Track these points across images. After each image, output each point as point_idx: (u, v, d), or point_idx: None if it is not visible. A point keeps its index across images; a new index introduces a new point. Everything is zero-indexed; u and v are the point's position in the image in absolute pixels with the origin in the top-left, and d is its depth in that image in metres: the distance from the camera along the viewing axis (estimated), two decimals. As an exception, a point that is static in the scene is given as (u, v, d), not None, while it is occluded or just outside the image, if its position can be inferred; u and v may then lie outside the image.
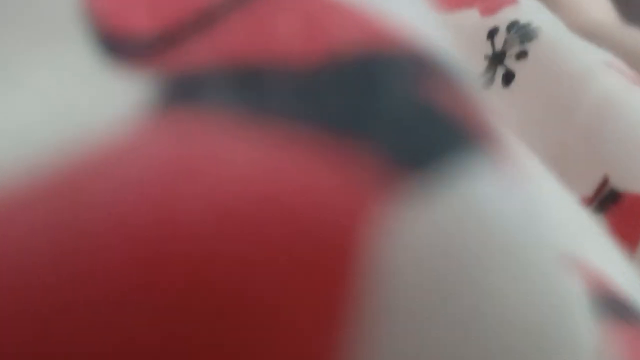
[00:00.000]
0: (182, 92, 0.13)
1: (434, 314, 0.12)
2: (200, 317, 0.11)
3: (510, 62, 0.35)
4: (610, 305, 0.19)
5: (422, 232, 0.12)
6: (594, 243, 0.21)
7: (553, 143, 0.32)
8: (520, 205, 0.13)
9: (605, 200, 0.31)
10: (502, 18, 0.36)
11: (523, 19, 0.35)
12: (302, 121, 0.13)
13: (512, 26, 0.35)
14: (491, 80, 0.35)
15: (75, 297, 0.11)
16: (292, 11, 0.14)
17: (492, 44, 0.36)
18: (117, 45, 0.14)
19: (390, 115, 0.13)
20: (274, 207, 0.12)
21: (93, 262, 0.11)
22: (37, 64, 0.14)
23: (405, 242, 0.12)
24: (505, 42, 0.35)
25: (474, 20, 0.36)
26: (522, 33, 0.35)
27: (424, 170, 0.13)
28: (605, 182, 0.31)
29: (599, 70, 0.32)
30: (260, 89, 0.13)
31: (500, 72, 0.35)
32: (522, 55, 0.35)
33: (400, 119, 0.13)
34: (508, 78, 0.35)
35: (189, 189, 0.12)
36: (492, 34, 0.36)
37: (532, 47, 0.35)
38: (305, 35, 0.14)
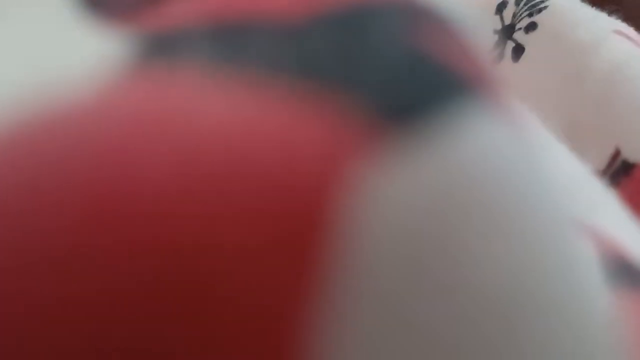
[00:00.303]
0: (160, 50, 0.12)
1: (412, 283, 0.11)
2: (158, 279, 0.11)
3: (520, 36, 0.35)
4: (623, 272, 0.18)
5: (405, 192, 0.12)
6: (606, 210, 0.21)
7: (564, 116, 0.32)
8: (521, 160, 0.12)
9: (618, 172, 0.31)
10: None
11: None
12: (284, 75, 0.12)
13: None
14: (501, 55, 0.35)
15: (22, 256, 0.11)
16: None
17: (501, 18, 0.36)
18: (98, 1, 0.14)
19: (377, 65, 0.12)
20: (241, 162, 0.11)
21: (45, 219, 0.11)
22: (13, 13, 0.13)
23: (385, 204, 0.11)
24: (514, 15, 0.35)
25: None
26: (530, 5, 0.35)
27: (410, 122, 0.12)
28: (617, 154, 0.31)
29: (608, 38, 0.32)
30: (242, 45, 0.12)
31: (509, 46, 0.35)
32: (531, 27, 0.34)
33: (386, 69, 0.12)
34: (518, 52, 0.34)
35: (153, 143, 0.11)
36: (500, 7, 0.36)
37: (541, 19, 0.34)
38: None
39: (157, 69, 0.12)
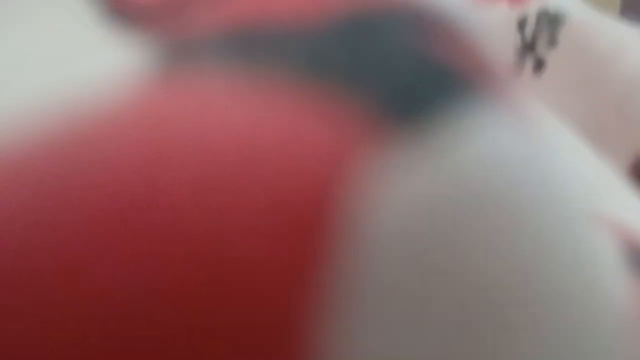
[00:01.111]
0: (182, 56, 0.13)
1: (418, 288, 0.11)
2: (172, 275, 0.11)
3: (541, 51, 0.35)
4: None
5: (410, 190, 0.12)
6: (624, 203, 0.21)
7: (586, 124, 0.32)
8: (530, 157, 0.12)
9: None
10: (531, 7, 0.35)
11: (552, 6, 0.35)
12: (293, 76, 0.12)
13: (542, 14, 0.35)
14: (520, 69, 0.35)
15: (46, 264, 0.11)
16: None
17: (522, 35, 0.36)
18: (121, 8, 0.14)
19: (384, 66, 0.12)
20: (249, 166, 0.11)
21: (73, 228, 0.11)
22: (36, 23, 0.14)
23: (391, 202, 0.12)
24: (535, 31, 0.36)
25: (503, 14, 0.36)
26: (551, 20, 0.35)
27: (416, 121, 0.12)
28: (638, 158, 0.31)
29: (629, 45, 0.32)
30: (257, 49, 0.13)
31: (530, 60, 0.35)
32: (552, 42, 0.35)
33: (393, 70, 0.12)
34: (539, 66, 0.35)
35: (173, 152, 0.11)
36: (521, 24, 0.36)
37: (562, 34, 0.34)
38: None
39: (178, 78, 0.12)
